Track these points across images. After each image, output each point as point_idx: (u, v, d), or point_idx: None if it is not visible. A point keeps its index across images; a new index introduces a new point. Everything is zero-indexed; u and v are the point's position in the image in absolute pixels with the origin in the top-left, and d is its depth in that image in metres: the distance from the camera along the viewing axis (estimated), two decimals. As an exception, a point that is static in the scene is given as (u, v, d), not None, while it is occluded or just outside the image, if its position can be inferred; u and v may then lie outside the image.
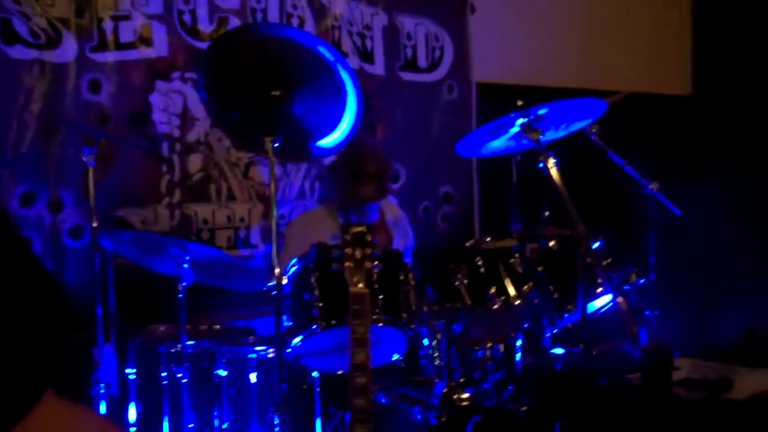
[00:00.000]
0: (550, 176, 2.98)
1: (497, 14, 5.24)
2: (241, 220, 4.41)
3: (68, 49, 3.86)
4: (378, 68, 4.82)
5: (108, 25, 3.95)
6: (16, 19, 3.72)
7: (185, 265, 3.18)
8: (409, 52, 4.94)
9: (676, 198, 3.88)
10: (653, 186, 3.81)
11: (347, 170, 3.72)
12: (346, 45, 4.65)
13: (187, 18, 4.17)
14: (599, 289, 3.23)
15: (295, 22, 4.50)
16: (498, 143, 3.30)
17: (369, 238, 2.57)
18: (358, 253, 2.57)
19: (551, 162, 2.97)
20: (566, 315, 3.25)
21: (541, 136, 3.05)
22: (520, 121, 3.08)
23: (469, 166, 5.14)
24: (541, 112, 3.07)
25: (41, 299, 1.07)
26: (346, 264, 2.56)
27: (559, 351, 3.59)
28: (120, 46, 3.99)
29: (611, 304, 3.29)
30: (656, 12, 6.11)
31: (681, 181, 4.15)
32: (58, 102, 3.84)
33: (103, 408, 3.33)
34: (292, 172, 4.56)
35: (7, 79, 3.72)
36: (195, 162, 4.25)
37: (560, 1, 5.62)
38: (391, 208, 4.12)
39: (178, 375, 3.22)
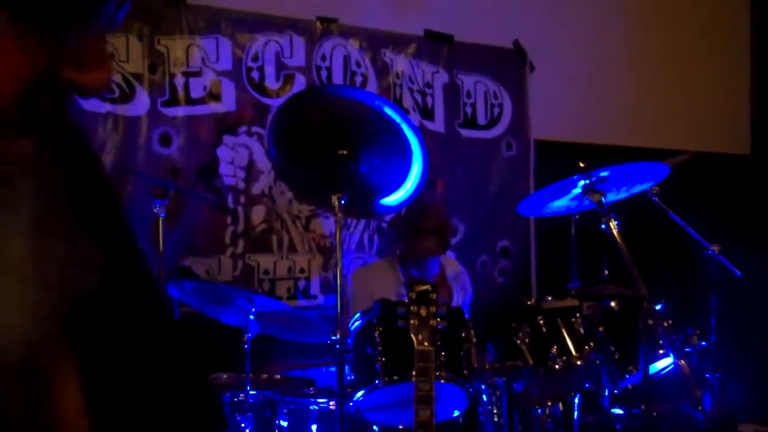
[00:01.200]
0: (612, 236, 3.01)
1: (556, 72, 5.29)
2: (302, 271, 4.48)
3: (141, 103, 4.01)
4: (438, 125, 4.91)
5: (179, 80, 4.10)
6: (92, 74, 3.87)
7: (251, 317, 3.25)
8: (469, 109, 5.02)
9: (737, 259, 3.86)
10: (714, 248, 3.80)
11: (409, 225, 3.79)
12: (407, 102, 4.75)
13: (255, 75, 4.30)
14: (661, 351, 3.22)
15: (358, 79, 4.61)
16: (559, 203, 3.34)
17: (434, 296, 2.62)
18: (423, 311, 2.62)
19: (613, 223, 3.00)
20: (627, 376, 3.25)
21: (603, 198, 3.09)
22: (582, 182, 3.12)
23: (526, 221, 5.16)
24: (603, 174, 3.11)
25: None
26: (412, 321, 2.61)
27: (618, 411, 3.58)
28: (190, 101, 4.12)
29: (672, 366, 3.27)
30: (715, 70, 6.11)
31: (742, 242, 4.12)
32: (130, 154, 3.98)
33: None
34: (352, 225, 4.64)
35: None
36: (258, 214, 4.34)
37: (620, 59, 5.66)
38: (450, 263, 4.16)
39: (242, 425, 3.27)
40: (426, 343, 2.57)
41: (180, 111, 4.10)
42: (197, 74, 4.14)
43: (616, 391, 3.48)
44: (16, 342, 0.76)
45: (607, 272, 3.79)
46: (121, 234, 0.97)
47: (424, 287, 2.64)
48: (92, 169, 0.98)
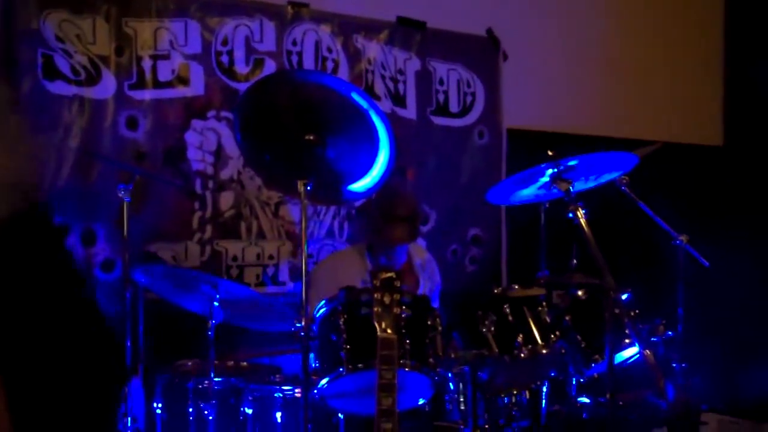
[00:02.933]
0: (579, 226, 3.00)
1: (529, 61, 5.28)
2: (270, 257, 4.45)
3: (107, 86, 3.95)
4: (410, 112, 4.88)
5: (147, 63, 4.04)
6: (57, 56, 3.82)
7: (215, 303, 3.22)
8: (441, 97, 5.00)
9: (705, 250, 3.88)
10: (682, 238, 3.82)
11: (378, 212, 3.76)
12: (379, 88, 4.71)
13: (224, 59, 4.25)
14: (627, 340, 3.22)
15: (329, 65, 4.57)
16: (528, 192, 3.33)
17: (398, 284, 2.60)
18: (386, 299, 2.60)
19: (580, 212, 2.99)
20: (593, 365, 3.25)
21: (570, 187, 3.08)
22: (550, 171, 3.11)
23: (497, 209, 5.16)
24: (572, 163, 3.10)
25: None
26: (375, 309, 2.59)
27: (585, 400, 3.58)
28: (158, 85, 4.07)
29: (638, 355, 3.27)
30: (688, 62, 6.13)
31: (710, 233, 4.14)
32: (96, 137, 3.92)
33: (129, 441, 3.36)
34: (321, 212, 4.61)
35: (48, 113, 3.81)
36: (227, 199, 4.30)
37: (593, 49, 5.66)
38: (418, 251, 4.14)
39: (205, 412, 3.25)
40: (389, 331, 2.55)
41: (147, 94, 4.04)
42: (165, 57, 4.09)
43: (582, 380, 3.49)
44: None
45: (575, 261, 3.79)
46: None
47: (388, 275, 2.62)
48: None
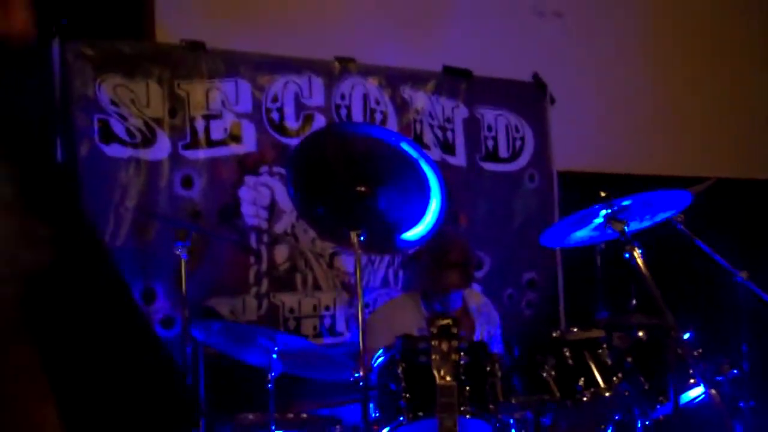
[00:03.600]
0: (636, 266, 2.98)
1: (577, 103, 5.29)
2: (327, 308, 4.47)
3: (162, 147, 4.05)
4: (459, 159, 4.90)
5: (200, 124, 4.14)
6: (113, 119, 3.93)
7: (274, 356, 3.24)
8: (490, 143, 5.02)
9: (765, 284, 3.80)
10: (743, 274, 3.75)
11: (432, 259, 3.77)
12: (428, 137, 4.75)
13: (274, 116, 4.33)
14: (691, 381, 3.16)
15: (378, 117, 4.63)
16: (582, 233, 3.31)
17: (456, 330, 2.60)
18: (444, 346, 2.60)
19: (637, 252, 2.97)
20: (658, 406, 3.19)
21: (625, 227, 3.06)
22: (604, 212, 3.10)
23: (552, 252, 5.13)
24: (625, 203, 3.09)
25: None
26: (433, 356, 2.59)
27: (651, 443, 3.51)
28: (211, 144, 4.16)
29: (704, 395, 3.21)
30: (739, 95, 6.08)
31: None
32: (152, 197, 4.01)
33: (191, 498, 3.37)
34: (376, 261, 4.63)
35: (105, 175, 3.91)
36: (282, 253, 4.35)
37: (639, 87, 5.64)
38: (473, 296, 4.13)
39: (269, 464, 3.25)
40: (448, 378, 2.55)
41: (201, 153, 4.13)
42: (217, 117, 4.18)
43: (648, 423, 3.42)
44: None
45: (635, 301, 3.75)
46: (73, 217, 0.98)
47: (445, 321, 2.62)
48: (43, 159, 1.01)
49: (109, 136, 3.90)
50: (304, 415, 3.78)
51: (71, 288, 0.96)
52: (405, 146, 3.21)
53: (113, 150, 3.92)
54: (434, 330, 2.62)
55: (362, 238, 3.05)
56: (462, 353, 2.64)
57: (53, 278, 0.85)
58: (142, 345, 1.10)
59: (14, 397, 0.92)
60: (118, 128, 3.93)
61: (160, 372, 1.12)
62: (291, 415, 3.75)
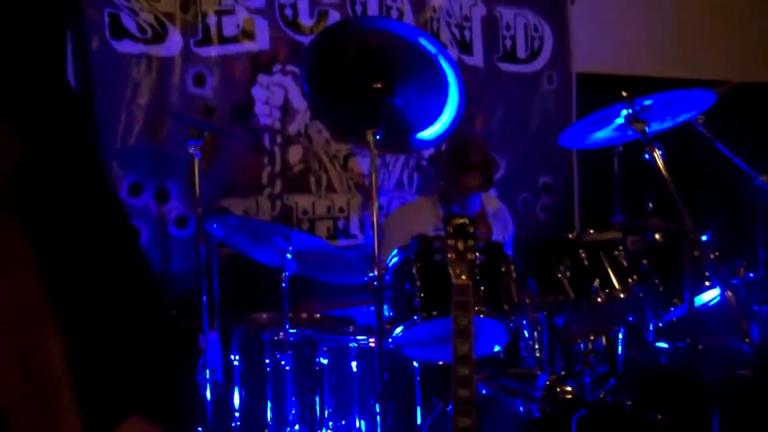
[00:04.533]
0: (656, 168, 2.92)
1: (598, 3, 5.15)
2: (341, 210, 4.46)
3: (174, 43, 3.98)
4: (477, 59, 4.81)
5: (212, 19, 4.05)
6: (124, 14, 3.85)
7: (288, 256, 3.23)
8: (508, 43, 4.91)
9: (786, 190, 3.75)
10: (763, 178, 3.69)
11: (452, 160, 3.74)
12: (445, 36, 4.65)
13: (288, 12, 4.23)
14: (706, 283, 3.14)
15: (394, 14, 4.52)
16: (602, 134, 3.25)
17: (472, 229, 2.57)
18: (460, 245, 2.57)
19: (657, 153, 2.91)
20: (672, 309, 3.17)
21: (646, 128, 3.00)
22: (625, 112, 3.03)
23: (568, 156, 5.08)
24: (647, 103, 3.02)
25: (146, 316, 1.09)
26: (449, 255, 2.56)
27: (663, 345, 3.51)
28: (223, 40, 4.08)
29: (719, 298, 3.19)
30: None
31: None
32: (164, 95, 3.96)
33: (208, 394, 3.42)
34: (390, 163, 4.59)
35: (116, 72, 3.85)
36: (295, 154, 4.31)
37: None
38: (490, 200, 4.10)
39: (282, 362, 3.28)
40: (464, 277, 2.53)
41: (213, 51, 4.06)
42: (230, 12, 4.09)
43: (660, 325, 3.42)
44: None
45: (651, 205, 3.70)
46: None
47: (462, 221, 2.59)
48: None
49: (119, 31, 3.83)
50: (318, 315, 3.81)
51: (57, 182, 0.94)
52: (423, 41, 3.12)
53: (124, 46, 3.85)
54: (450, 229, 2.58)
55: (378, 137, 3.00)
56: (478, 253, 2.61)
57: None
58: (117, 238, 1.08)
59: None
60: (128, 23, 3.85)
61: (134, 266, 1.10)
62: (304, 315, 3.77)
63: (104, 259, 1.01)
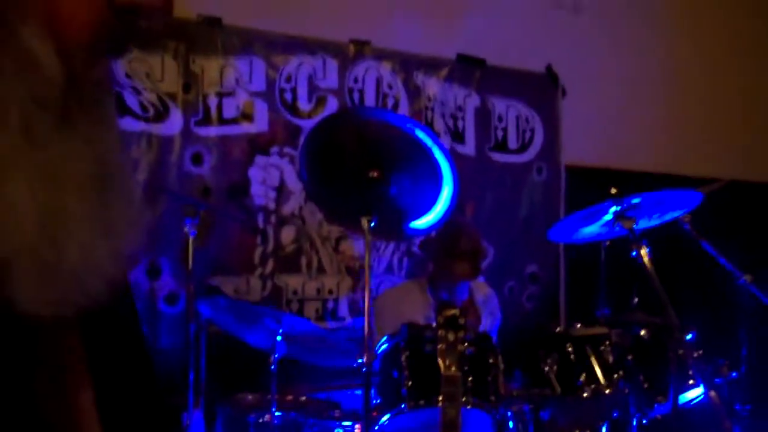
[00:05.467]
0: (643, 264, 2.98)
1: (588, 97, 5.28)
2: (330, 292, 4.48)
3: (174, 122, 4.05)
4: (469, 148, 4.91)
5: (213, 101, 4.14)
6: (127, 92, 3.93)
7: (278, 338, 3.25)
8: (500, 133, 5.02)
9: (769, 290, 3.81)
10: (747, 278, 3.75)
11: (442, 248, 3.78)
12: (439, 125, 4.76)
13: (287, 96, 4.33)
14: (690, 381, 3.18)
15: (390, 102, 4.63)
16: (590, 229, 3.32)
17: (462, 321, 2.61)
18: (450, 336, 2.61)
19: (644, 250, 2.98)
20: (656, 405, 3.20)
21: (634, 225, 3.07)
22: (614, 209, 3.10)
23: (556, 246, 5.14)
24: (635, 201, 3.09)
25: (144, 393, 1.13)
26: (439, 346, 2.59)
27: (646, 442, 3.53)
28: (223, 121, 4.16)
29: (703, 396, 3.22)
30: (750, 97, 6.07)
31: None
32: (163, 173, 4.02)
33: (189, 473, 3.40)
34: (381, 247, 4.64)
35: (116, 149, 3.90)
36: (288, 234, 4.36)
37: (652, 85, 5.64)
38: (480, 287, 4.14)
39: (267, 446, 3.27)
40: (453, 368, 2.56)
41: (213, 131, 4.14)
42: (231, 94, 4.18)
43: (644, 421, 3.44)
44: (102, 279, 0.78)
45: (636, 300, 3.76)
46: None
47: (453, 312, 2.63)
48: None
49: (122, 109, 3.90)
50: (303, 398, 3.80)
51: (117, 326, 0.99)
52: (419, 133, 3.20)
53: (126, 123, 3.91)
54: (441, 320, 2.62)
55: (372, 224, 3.05)
56: (467, 344, 2.64)
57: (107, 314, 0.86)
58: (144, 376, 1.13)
59: (64, 385, 0.94)
60: (131, 101, 3.93)
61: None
62: (290, 397, 3.77)
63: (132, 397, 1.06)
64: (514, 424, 3.26)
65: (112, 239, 0.80)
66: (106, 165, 0.81)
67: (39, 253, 0.75)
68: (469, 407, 2.82)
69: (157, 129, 4.00)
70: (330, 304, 4.48)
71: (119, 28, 0.84)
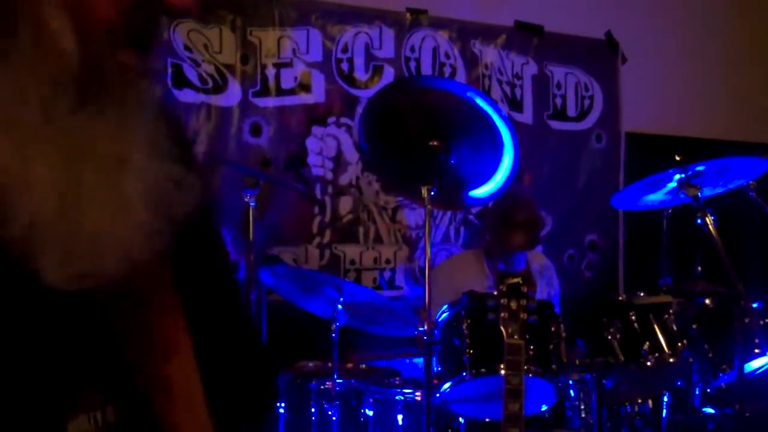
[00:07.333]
0: (708, 232, 2.94)
1: (649, 64, 5.18)
2: (387, 261, 4.50)
3: (233, 93, 4.08)
4: (527, 117, 4.86)
5: (270, 71, 4.15)
6: (186, 65, 3.96)
7: (339, 306, 3.27)
8: (559, 101, 4.96)
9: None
10: (814, 245, 3.68)
11: (499, 218, 3.76)
12: (496, 93, 4.71)
13: (344, 66, 4.33)
14: (757, 350, 3.13)
15: (447, 71, 4.59)
16: (654, 197, 3.28)
17: (525, 289, 2.60)
18: (513, 304, 2.60)
19: (709, 218, 2.94)
20: (721, 375, 3.17)
21: (699, 192, 3.02)
22: (678, 176, 3.06)
23: (615, 214, 5.08)
24: (699, 168, 3.04)
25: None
26: (502, 314, 2.59)
27: (710, 411, 3.49)
28: (281, 92, 4.18)
29: (769, 366, 3.18)
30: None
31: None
32: (222, 144, 4.05)
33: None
34: (438, 216, 4.63)
35: (178, 121, 3.95)
36: (345, 204, 4.38)
37: (715, 50, 5.51)
38: (536, 257, 4.12)
39: (329, 412, 3.30)
40: (516, 337, 2.56)
41: (270, 102, 4.16)
42: (288, 65, 4.19)
43: (708, 390, 3.40)
44: (120, 254, 0.80)
45: (700, 268, 3.71)
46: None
47: (515, 280, 2.62)
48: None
49: (181, 81, 3.94)
50: (363, 366, 3.83)
51: (203, 243, 1.00)
52: (479, 101, 3.18)
53: (185, 95, 3.96)
54: (503, 288, 2.62)
55: (432, 193, 3.05)
56: (529, 312, 2.63)
57: (193, 230, 0.87)
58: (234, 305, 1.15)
59: (159, 336, 0.96)
60: (190, 73, 3.96)
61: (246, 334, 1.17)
62: (350, 365, 3.80)
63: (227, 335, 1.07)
64: (575, 393, 3.25)
65: (131, 217, 0.81)
66: (126, 146, 0.82)
67: (57, 228, 0.77)
68: (531, 375, 2.81)
69: (215, 100, 4.04)
70: (387, 274, 4.49)
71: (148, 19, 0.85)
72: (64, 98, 0.78)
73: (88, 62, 0.79)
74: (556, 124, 4.96)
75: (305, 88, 4.24)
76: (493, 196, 3.40)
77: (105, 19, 0.80)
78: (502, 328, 2.58)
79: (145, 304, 0.95)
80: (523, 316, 2.60)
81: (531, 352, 2.83)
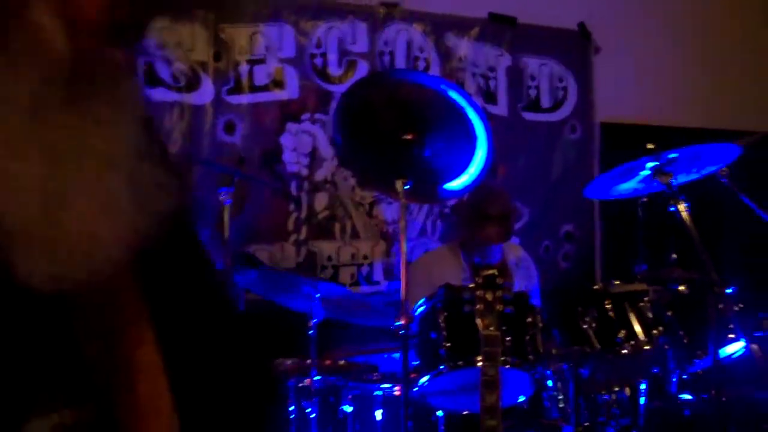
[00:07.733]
0: (681, 219, 2.96)
1: (622, 53, 5.20)
2: (364, 257, 4.49)
3: (206, 91, 4.06)
4: (501, 108, 4.87)
5: (243, 68, 4.14)
6: (159, 63, 3.93)
7: (316, 303, 3.27)
8: (533, 92, 4.97)
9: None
10: (787, 230, 3.71)
11: (472, 211, 3.76)
12: (470, 86, 4.72)
13: (318, 61, 4.32)
14: (731, 335, 3.15)
15: (421, 64, 4.60)
16: (627, 186, 3.29)
17: (500, 281, 2.61)
18: (489, 296, 2.61)
19: (683, 205, 2.95)
20: (696, 361, 3.19)
21: (672, 180, 3.04)
22: (651, 164, 3.07)
23: (590, 205, 5.10)
24: (672, 156, 3.06)
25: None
26: (477, 306, 2.60)
27: (687, 397, 3.52)
28: (254, 89, 4.17)
29: (744, 350, 3.20)
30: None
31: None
32: (196, 142, 4.04)
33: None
34: (414, 211, 4.63)
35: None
36: (321, 200, 4.37)
37: (687, 38, 5.53)
38: (513, 249, 4.12)
39: (307, 410, 3.30)
40: (492, 328, 2.56)
41: (244, 99, 4.15)
42: (261, 62, 4.18)
43: (684, 377, 3.43)
44: (102, 256, 0.79)
45: (675, 255, 3.73)
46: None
47: (490, 271, 2.63)
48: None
49: (153, 79, 3.92)
50: (342, 362, 3.82)
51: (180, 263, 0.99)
52: (452, 93, 3.18)
53: (158, 94, 3.93)
54: (479, 280, 2.62)
55: (407, 187, 3.05)
56: (505, 304, 2.64)
57: (174, 230, 0.87)
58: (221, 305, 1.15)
59: (122, 339, 0.96)
60: (163, 72, 3.94)
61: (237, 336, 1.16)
62: (328, 362, 3.79)
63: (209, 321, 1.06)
64: (553, 383, 3.26)
65: (116, 217, 0.81)
66: (115, 145, 0.82)
67: (40, 227, 0.77)
68: (508, 367, 2.82)
69: (189, 99, 4.02)
70: (365, 269, 4.49)
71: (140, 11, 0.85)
72: (54, 96, 0.78)
73: (78, 59, 0.78)
74: (530, 116, 4.97)
75: (279, 84, 4.23)
76: (468, 188, 3.41)
77: (93, 16, 0.79)
78: (478, 320, 2.59)
79: (110, 303, 0.94)
80: (499, 307, 2.60)
81: (507, 344, 2.84)
